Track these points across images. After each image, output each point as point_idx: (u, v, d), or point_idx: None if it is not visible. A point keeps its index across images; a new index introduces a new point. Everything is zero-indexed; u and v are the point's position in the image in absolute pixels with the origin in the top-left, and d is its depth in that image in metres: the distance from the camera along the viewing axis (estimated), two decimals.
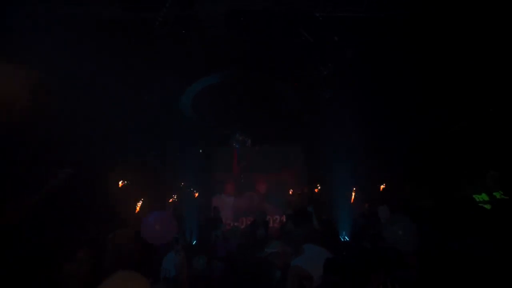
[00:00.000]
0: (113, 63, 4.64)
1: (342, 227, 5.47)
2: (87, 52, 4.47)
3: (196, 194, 7.73)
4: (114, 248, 2.47)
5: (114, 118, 5.47)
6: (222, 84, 5.30)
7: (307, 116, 6.66)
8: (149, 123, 6.18)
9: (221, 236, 4.23)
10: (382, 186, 6.36)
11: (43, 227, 3.41)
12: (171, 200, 7.16)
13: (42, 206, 3.63)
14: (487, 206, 3.69)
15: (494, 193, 4.10)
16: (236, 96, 5.55)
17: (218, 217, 5.55)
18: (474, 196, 4.08)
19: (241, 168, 8.51)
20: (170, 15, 4.00)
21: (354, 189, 6.99)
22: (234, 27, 4.08)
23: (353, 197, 6.98)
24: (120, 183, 5.91)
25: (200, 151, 7.42)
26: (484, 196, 4.26)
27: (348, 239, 5.55)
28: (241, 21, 4.01)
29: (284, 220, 6.84)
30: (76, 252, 2.26)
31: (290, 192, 7.95)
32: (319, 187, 7.49)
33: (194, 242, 5.02)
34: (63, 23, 4.01)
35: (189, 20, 4.08)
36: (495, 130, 5.26)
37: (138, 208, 5.68)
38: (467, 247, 2.91)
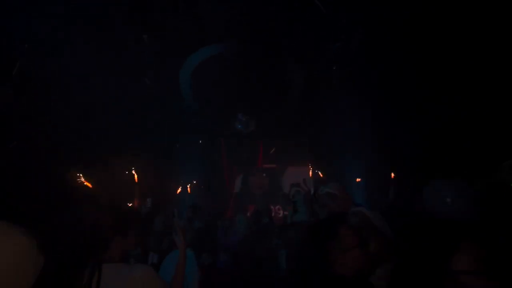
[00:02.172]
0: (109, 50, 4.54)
1: None
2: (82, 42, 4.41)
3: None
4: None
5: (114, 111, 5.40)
6: (222, 58, 5.03)
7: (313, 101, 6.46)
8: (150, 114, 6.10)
9: (224, 226, 3.99)
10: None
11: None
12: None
13: None
14: None
15: None
16: (237, 73, 5.27)
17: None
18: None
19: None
20: None
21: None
22: None
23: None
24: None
25: (200, 141, 7.29)
26: None
27: None
28: None
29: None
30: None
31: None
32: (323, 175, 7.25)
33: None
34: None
35: None
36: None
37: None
38: None
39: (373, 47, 5.06)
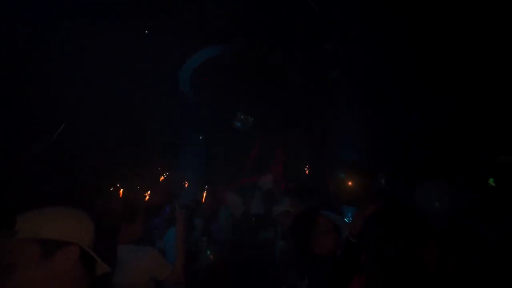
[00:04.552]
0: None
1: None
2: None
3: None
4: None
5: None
6: (221, 57, 5.07)
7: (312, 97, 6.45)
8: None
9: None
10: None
11: None
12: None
13: None
14: None
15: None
16: (237, 70, 5.30)
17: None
18: None
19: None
20: None
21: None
22: None
23: None
24: None
25: (200, 137, 7.32)
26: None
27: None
28: None
29: None
30: None
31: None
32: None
33: None
34: None
35: None
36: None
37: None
38: None
39: (373, 46, 5.05)
